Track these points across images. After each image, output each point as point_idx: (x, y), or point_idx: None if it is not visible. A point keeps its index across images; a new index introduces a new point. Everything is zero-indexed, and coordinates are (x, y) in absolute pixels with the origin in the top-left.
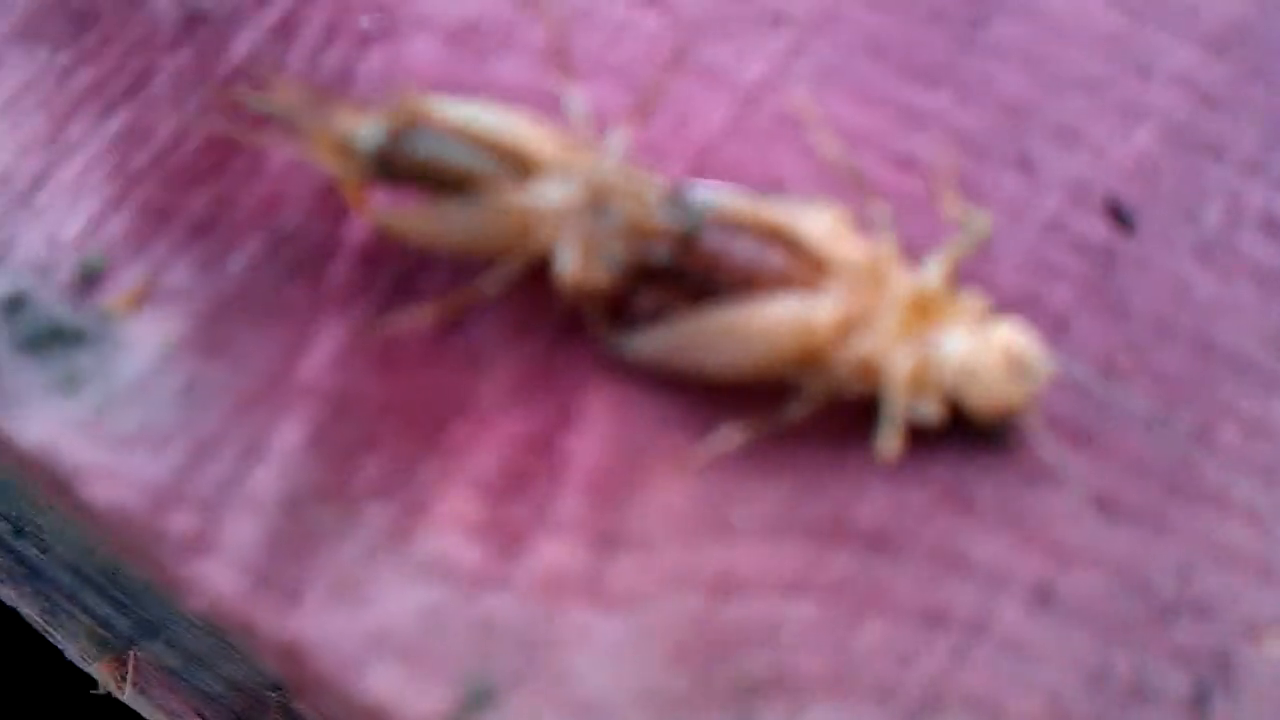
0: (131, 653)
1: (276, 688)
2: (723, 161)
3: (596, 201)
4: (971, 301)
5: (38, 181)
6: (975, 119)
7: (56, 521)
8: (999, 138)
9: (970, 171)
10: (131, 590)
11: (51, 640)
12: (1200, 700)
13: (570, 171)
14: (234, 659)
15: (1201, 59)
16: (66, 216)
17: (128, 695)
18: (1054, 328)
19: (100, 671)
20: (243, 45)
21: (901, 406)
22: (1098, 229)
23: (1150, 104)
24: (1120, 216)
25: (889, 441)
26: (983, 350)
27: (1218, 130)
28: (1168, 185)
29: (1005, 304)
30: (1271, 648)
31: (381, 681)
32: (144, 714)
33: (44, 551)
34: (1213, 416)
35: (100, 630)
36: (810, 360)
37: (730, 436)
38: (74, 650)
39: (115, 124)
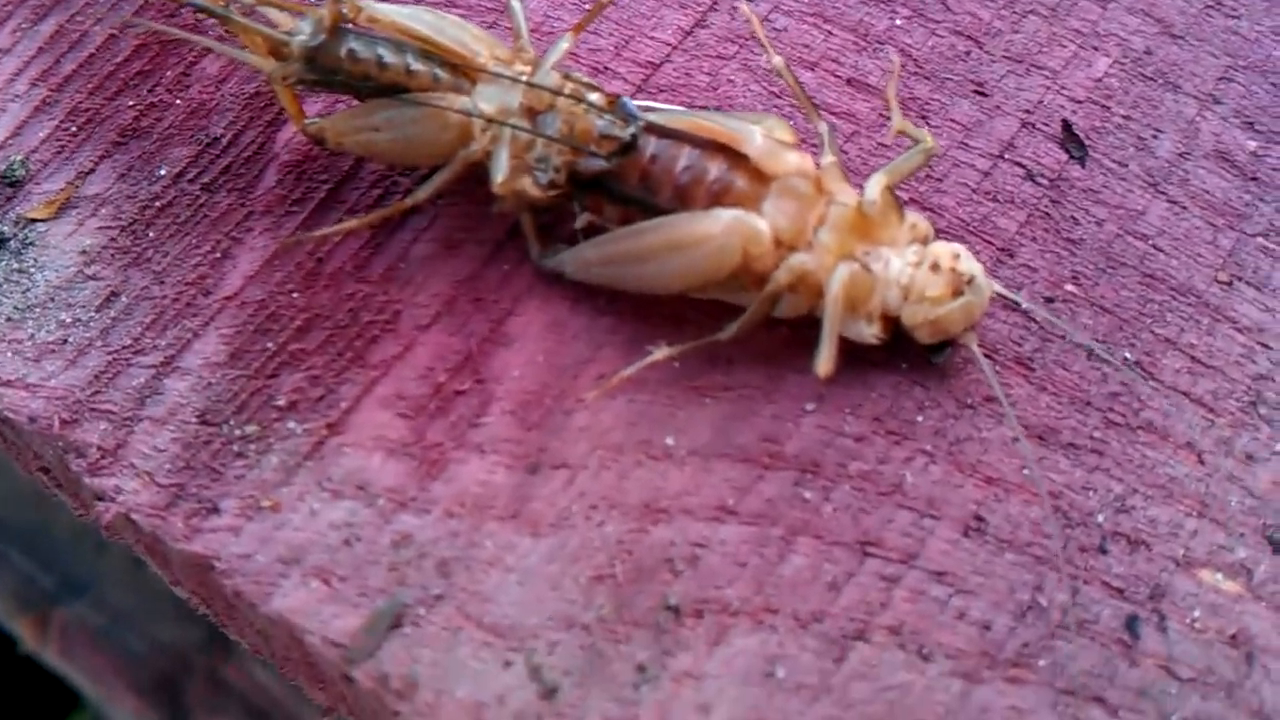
0: (56, 612)
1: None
2: (669, 79)
3: (533, 110)
4: (915, 222)
5: None
6: (931, 43)
7: None
8: (955, 63)
9: (925, 96)
10: (57, 546)
11: None
12: (1131, 631)
13: (508, 78)
14: (162, 619)
15: None
16: None
17: (51, 656)
18: (1001, 255)
19: (23, 630)
20: None
21: (839, 324)
22: (1051, 157)
23: (1109, 32)
24: (1073, 144)
25: (826, 360)
26: (924, 270)
27: (1176, 60)
28: (1123, 114)
29: (952, 230)
30: (1206, 580)
31: (294, 599)
32: (69, 676)
33: None
34: (1156, 348)
35: (24, 588)
36: (747, 276)
37: (656, 356)
38: None
39: (47, 28)
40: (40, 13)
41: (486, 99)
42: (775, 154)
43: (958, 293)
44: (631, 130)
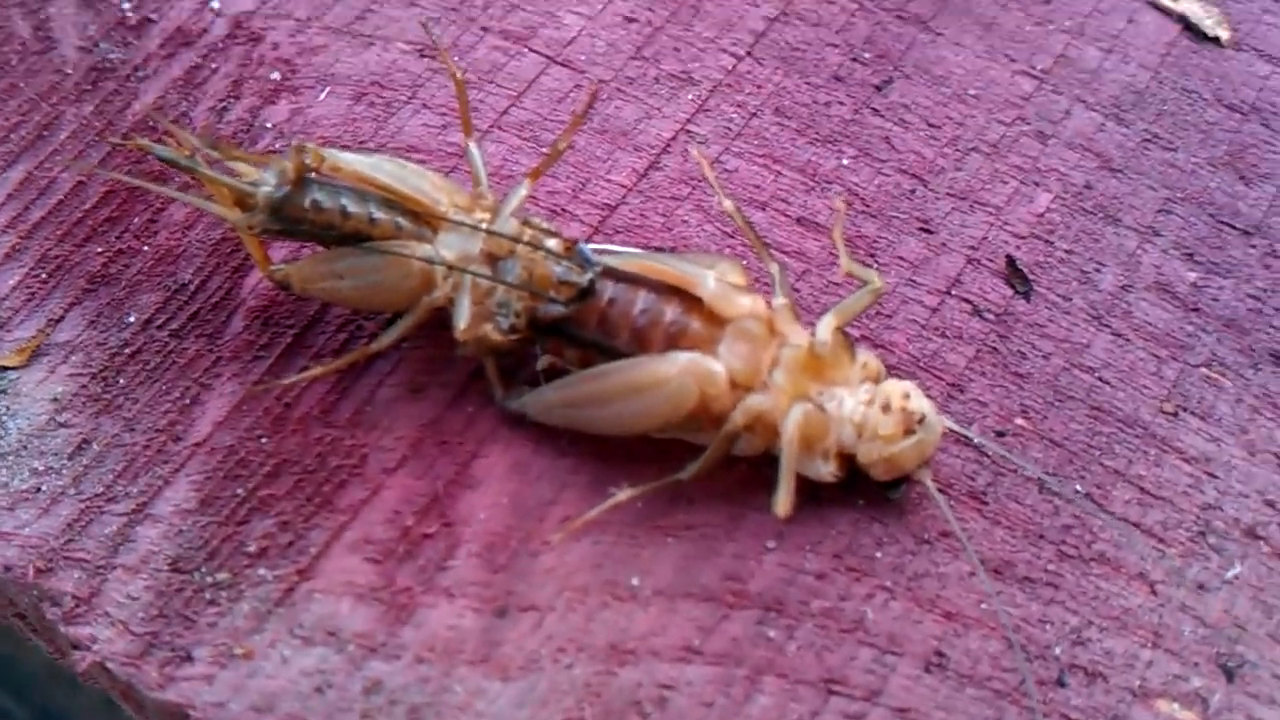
0: None
1: None
2: (625, 220)
3: (494, 256)
4: (866, 361)
5: None
6: (877, 181)
7: None
8: (901, 201)
9: (873, 234)
10: (32, 679)
11: None
12: None
13: (468, 226)
14: None
15: (1101, 124)
16: None
17: None
18: (951, 390)
19: None
20: (148, 97)
21: (794, 465)
22: (996, 292)
23: (1050, 168)
24: (1018, 280)
25: (784, 501)
26: (876, 409)
27: (1116, 194)
28: (1065, 248)
29: (904, 366)
30: (1163, 710)
31: None
32: None
33: None
34: (1106, 480)
35: None
36: (704, 417)
37: (619, 497)
38: None
39: (16, 175)
40: (8, 159)
41: (448, 246)
42: (728, 297)
43: (909, 431)
44: (589, 275)
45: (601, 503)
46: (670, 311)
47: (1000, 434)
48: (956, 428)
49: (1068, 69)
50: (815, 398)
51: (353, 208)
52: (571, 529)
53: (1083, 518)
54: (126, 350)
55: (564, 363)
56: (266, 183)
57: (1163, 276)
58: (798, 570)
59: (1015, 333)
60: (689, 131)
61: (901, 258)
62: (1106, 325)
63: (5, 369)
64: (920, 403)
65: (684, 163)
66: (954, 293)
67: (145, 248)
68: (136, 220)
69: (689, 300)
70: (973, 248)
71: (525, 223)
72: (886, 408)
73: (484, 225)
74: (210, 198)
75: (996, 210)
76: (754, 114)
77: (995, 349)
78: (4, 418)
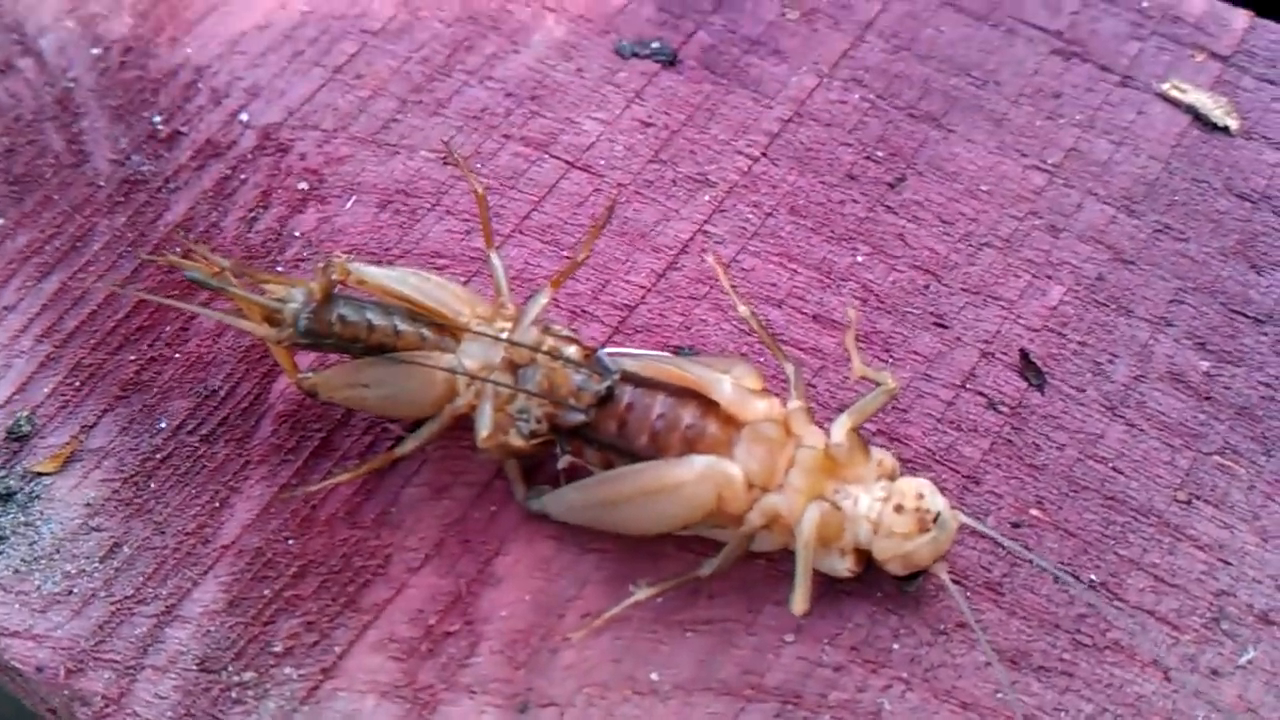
0: None
1: None
2: (644, 319)
3: (515, 364)
4: (881, 458)
5: None
6: (891, 278)
7: None
8: (915, 296)
9: (887, 330)
10: None
11: None
12: None
13: (490, 336)
14: None
15: (1112, 216)
16: None
17: None
18: (967, 482)
19: None
20: (180, 207)
21: (811, 563)
22: (1010, 385)
23: (1062, 260)
24: (1031, 373)
25: (800, 599)
26: (891, 506)
27: (1128, 285)
28: (1078, 340)
29: (919, 460)
30: None
31: None
32: None
33: None
34: (1120, 569)
35: None
36: (722, 516)
37: (639, 595)
38: None
39: (51, 286)
40: (43, 270)
41: (470, 356)
42: (744, 401)
43: (925, 529)
44: (607, 383)
45: (622, 600)
46: (688, 415)
47: (1016, 525)
48: (972, 522)
49: (1079, 162)
50: (831, 496)
51: (378, 321)
52: (592, 627)
53: (1097, 607)
54: (158, 455)
55: (585, 463)
56: (294, 299)
57: (1175, 366)
58: (815, 663)
59: (1030, 425)
60: (706, 232)
61: (916, 352)
62: (1120, 416)
63: (40, 475)
64: (935, 501)
65: (701, 263)
66: (968, 386)
67: (176, 355)
68: (168, 329)
69: (706, 403)
70: (986, 342)
71: (546, 330)
72: (900, 509)
73: (505, 335)
74: (240, 313)
75: (1010, 304)
76: (769, 213)
77: (1010, 441)
78: (38, 522)
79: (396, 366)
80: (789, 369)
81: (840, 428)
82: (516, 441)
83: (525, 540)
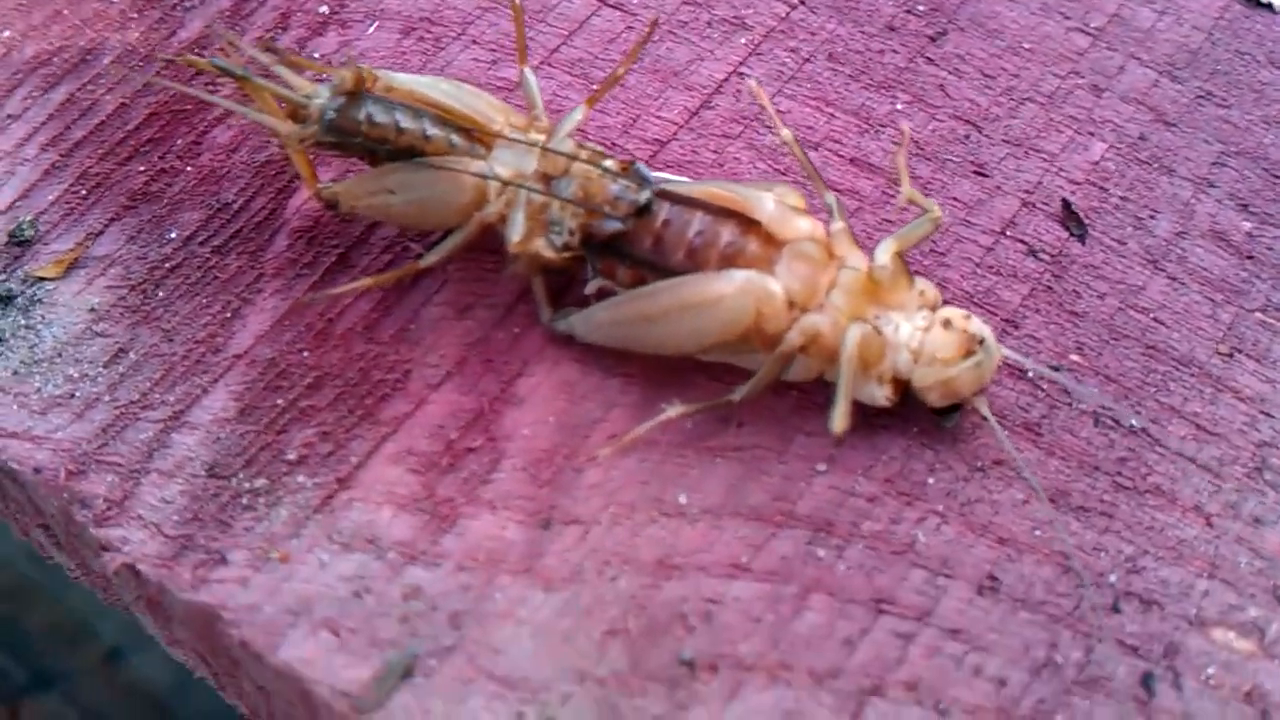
0: (25, 704)
1: None
2: (676, 155)
3: (548, 176)
4: (924, 289)
5: None
6: (932, 127)
7: None
8: (955, 145)
9: (927, 176)
10: (30, 640)
11: None
12: (1146, 688)
13: (524, 143)
14: (137, 714)
15: (1155, 80)
16: None
17: None
18: (1006, 326)
19: None
20: (195, 25)
21: (852, 382)
22: (1051, 234)
23: (1105, 119)
24: (1073, 222)
25: (841, 416)
26: (935, 331)
27: (1170, 146)
28: (1120, 195)
29: (958, 303)
30: (1219, 639)
31: (302, 649)
32: None
33: None
34: (1161, 416)
35: None
36: (758, 338)
37: (669, 414)
38: None
39: (58, 96)
40: (51, 81)
41: (502, 163)
42: (787, 219)
43: (969, 353)
44: (646, 193)
45: (651, 419)
46: (727, 233)
47: (1055, 369)
48: (1014, 355)
49: (1121, 28)
50: (872, 321)
51: (407, 123)
52: (620, 444)
53: (1138, 451)
54: (167, 265)
55: (615, 284)
56: (320, 95)
57: (1218, 225)
58: (848, 493)
59: (1070, 273)
60: (741, 74)
61: (956, 199)
62: (1162, 269)
63: (42, 279)
64: (980, 326)
65: (736, 103)
66: (1009, 233)
67: (188, 168)
68: (180, 141)
69: (746, 223)
70: (1027, 191)
71: (580, 146)
72: (948, 324)
73: (539, 142)
74: (262, 110)
75: (1051, 157)
76: (807, 59)
77: (1050, 288)
78: (39, 326)
79: (425, 171)
80: (830, 198)
81: (884, 251)
82: (547, 253)
83: (550, 362)
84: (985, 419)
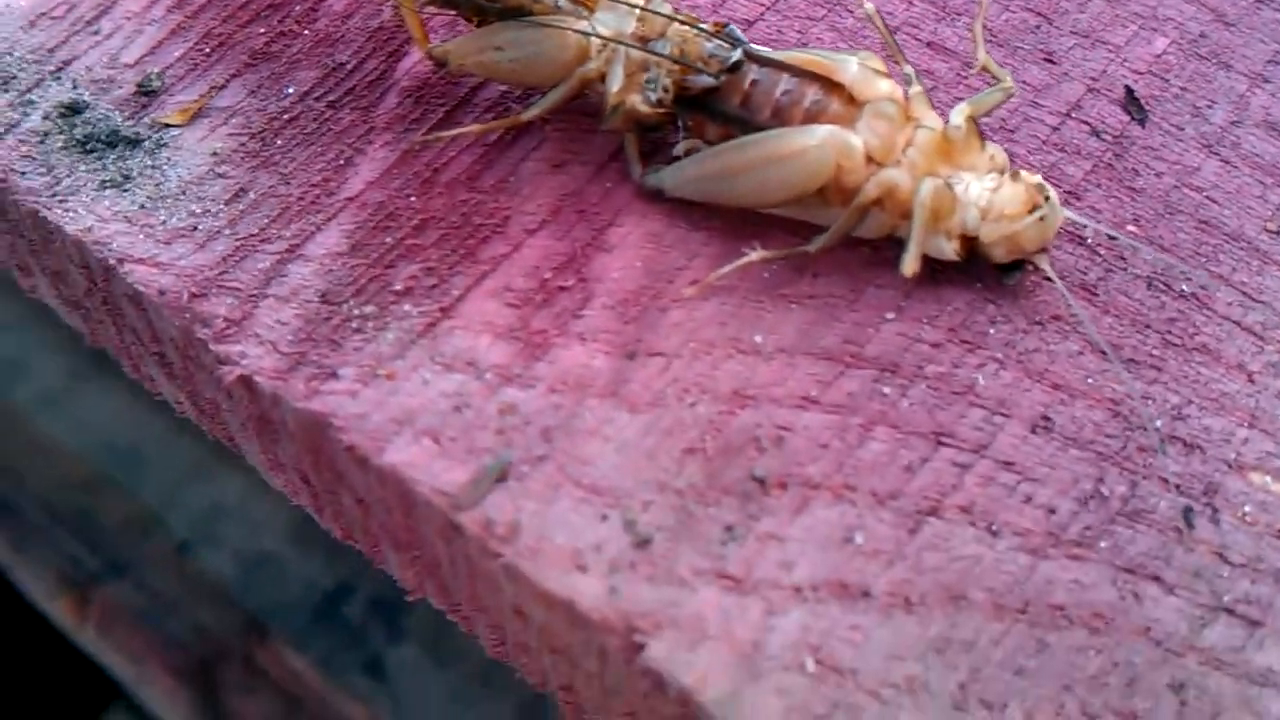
0: (97, 590)
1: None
2: (761, 35)
3: (646, 36)
4: (994, 153)
5: (102, 9)
6: (1005, 17)
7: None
8: (1026, 35)
9: (998, 59)
10: (105, 531)
11: (11, 579)
12: (1186, 520)
13: (624, 5)
14: (201, 604)
15: None
16: (128, 42)
17: (89, 636)
18: (1069, 196)
19: (62, 610)
20: None
21: (924, 230)
22: (1114, 118)
23: (1167, 16)
24: (1134, 108)
25: (912, 260)
26: (1002, 191)
27: (1228, 44)
28: (1180, 86)
29: None
30: (1255, 481)
31: (406, 454)
32: (103, 657)
33: (18, 485)
34: (1210, 283)
35: (68, 568)
36: (837, 190)
37: (752, 257)
38: (37, 589)
39: None
40: None
41: (603, 24)
42: (868, 80)
43: (1034, 207)
44: (738, 52)
45: (733, 262)
46: (811, 92)
47: (1112, 238)
48: (1076, 216)
49: None
50: (945, 177)
51: None
52: (703, 285)
53: (1187, 313)
54: (284, 116)
55: (703, 142)
56: None
57: (1271, 116)
58: (914, 339)
59: (1130, 153)
60: None
61: (1025, 82)
62: (1216, 153)
63: (168, 126)
64: (1043, 188)
65: None
66: (1074, 115)
67: (305, 32)
68: (298, 7)
69: (829, 84)
70: (1093, 79)
71: (676, 11)
72: (1016, 176)
73: (640, 5)
74: None
75: (1116, 49)
76: None
77: (1110, 165)
78: (165, 166)
79: (531, 29)
80: (908, 68)
81: (959, 114)
82: (643, 107)
83: (639, 215)
84: (1047, 276)
